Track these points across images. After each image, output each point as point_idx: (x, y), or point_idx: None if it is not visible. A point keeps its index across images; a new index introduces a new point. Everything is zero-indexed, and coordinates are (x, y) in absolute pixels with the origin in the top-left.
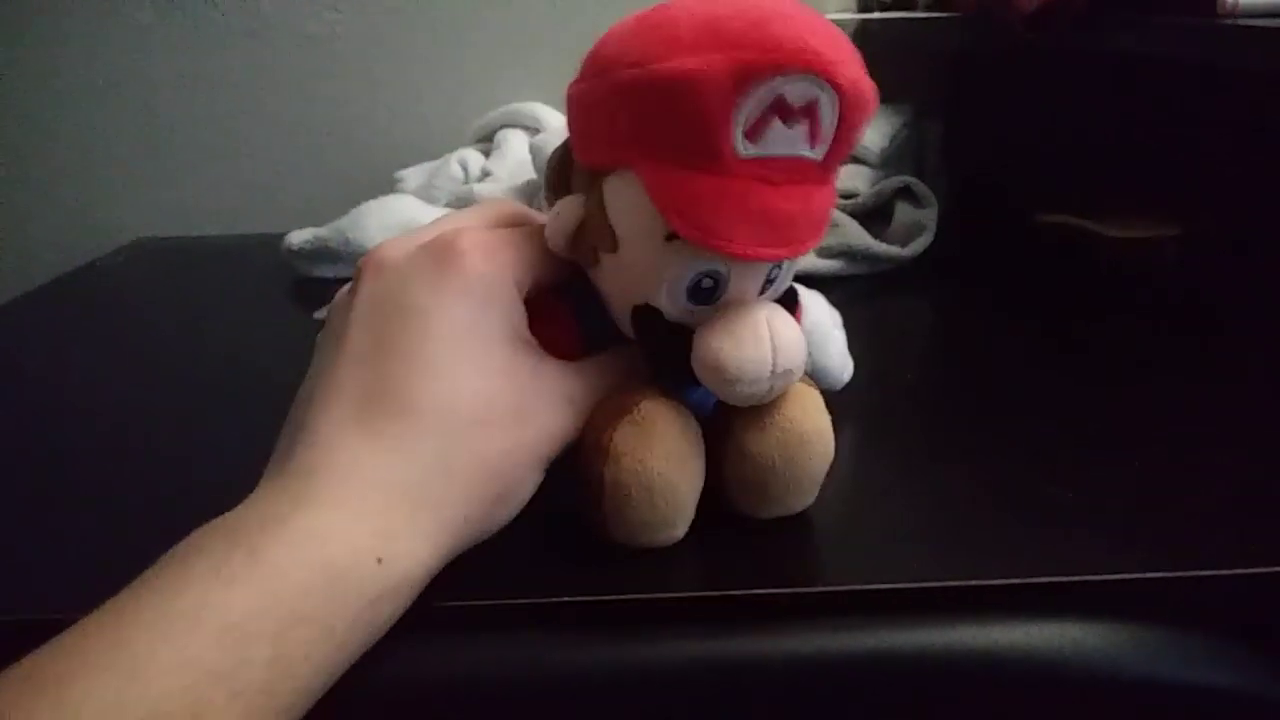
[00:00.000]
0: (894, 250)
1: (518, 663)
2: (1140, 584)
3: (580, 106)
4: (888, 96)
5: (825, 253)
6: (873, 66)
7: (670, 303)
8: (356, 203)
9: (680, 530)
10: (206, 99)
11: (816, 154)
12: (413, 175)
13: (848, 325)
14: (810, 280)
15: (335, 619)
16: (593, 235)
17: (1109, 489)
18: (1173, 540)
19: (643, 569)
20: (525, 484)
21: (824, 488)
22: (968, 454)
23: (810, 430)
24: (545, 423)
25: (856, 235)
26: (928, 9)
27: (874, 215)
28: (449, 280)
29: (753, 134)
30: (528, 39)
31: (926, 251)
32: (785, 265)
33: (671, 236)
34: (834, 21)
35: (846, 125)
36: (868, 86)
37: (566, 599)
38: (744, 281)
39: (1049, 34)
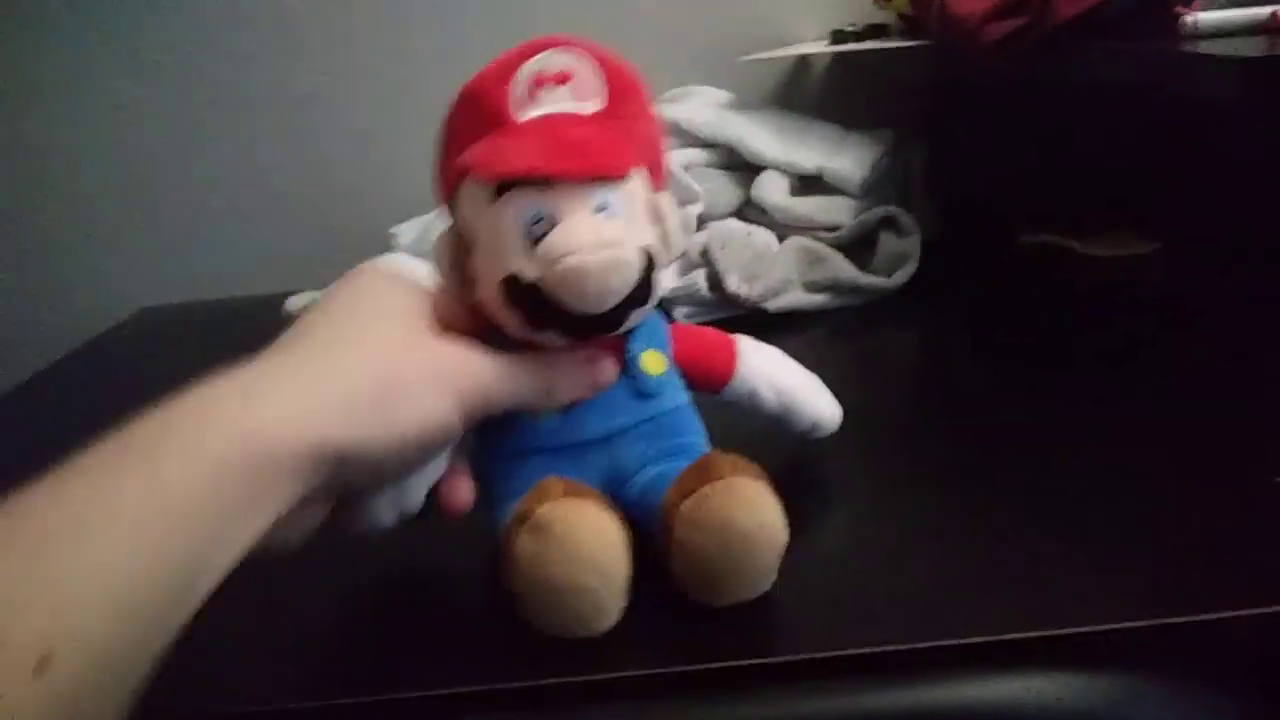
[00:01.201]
0: (880, 281)
1: None
2: (1111, 634)
3: (434, 162)
4: (867, 125)
5: (812, 287)
6: (851, 96)
7: (522, 259)
8: (354, 258)
9: (607, 620)
10: (199, 165)
11: (591, 104)
12: (408, 230)
13: (836, 358)
14: (798, 314)
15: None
16: (461, 249)
17: (1084, 532)
18: (1145, 586)
19: (600, 647)
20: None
21: (798, 537)
22: (947, 496)
23: (752, 527)
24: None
25: (842, 268)
26: (901, 35)
27: (858, 246)
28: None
29: (527, 102)
30: None
31: (913, 279)
32: (614, 196)
33: (493, 196)
34: (808, 55)
35: (614, 75)
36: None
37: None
38: (573, 214)
39: (1014, 60)
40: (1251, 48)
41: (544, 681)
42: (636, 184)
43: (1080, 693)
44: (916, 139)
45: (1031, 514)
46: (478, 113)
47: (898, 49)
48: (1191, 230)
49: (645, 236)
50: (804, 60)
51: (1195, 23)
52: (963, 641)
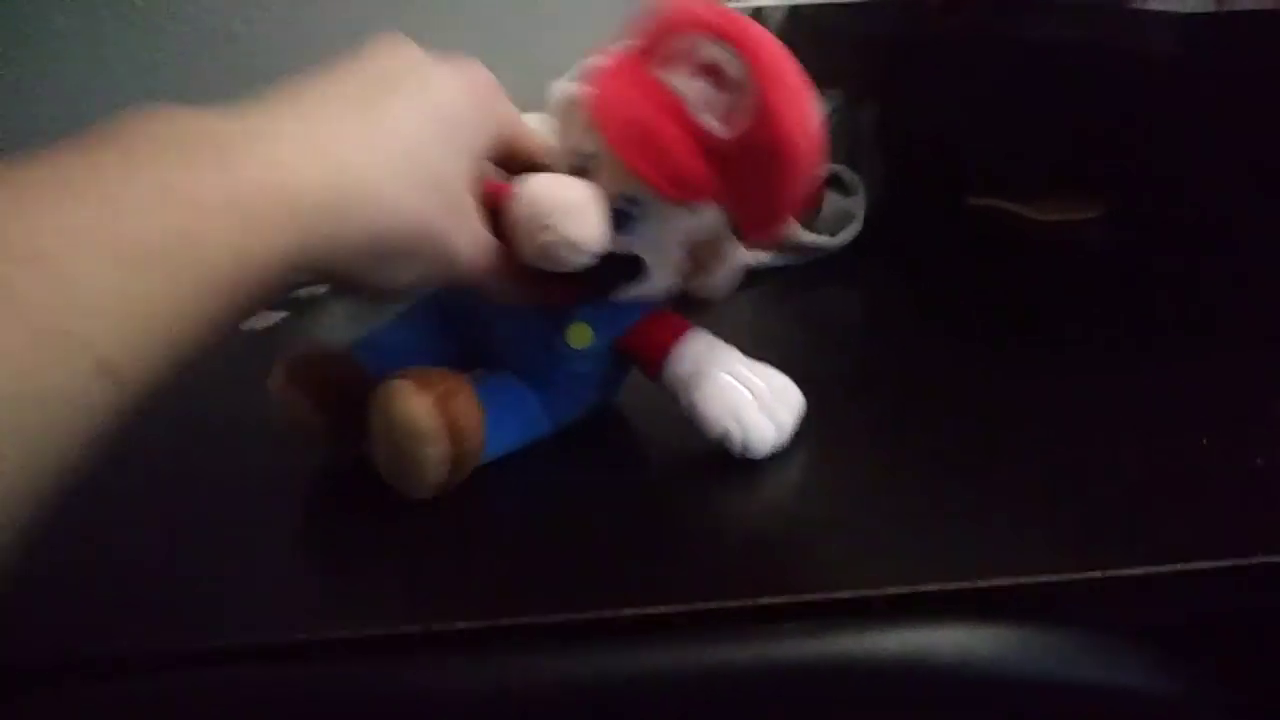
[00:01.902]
0: (824, 239)
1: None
2: (1031, 588)
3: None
4: (818, 83)
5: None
6: (802, 52)
7: None
8: None
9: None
10: None
11: (719, 125)
12: None
13: (779, 316)
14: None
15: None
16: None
17: (1013, 488)
18: (1069, 540)
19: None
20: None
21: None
22: (882, 452)
23: (396, 421)
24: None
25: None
26: None
27: None
28: (456, 73)
29: (673, 61)
30: (473, 39)
31: (858, 239)
32: (640, 210)
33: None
34: (763, 8)
35: (772, 134)
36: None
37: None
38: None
39: (964, 19)
40: (1198, 4)
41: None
42: (692, 218)
43: (996, 645)
44: (868, 98)
45: (959, 470)
46: (648, 31)
47: (852, 4)
48: (1137, 194)
49: (651, 254)
50: (758, 14)
51: None
52: (881, 592)
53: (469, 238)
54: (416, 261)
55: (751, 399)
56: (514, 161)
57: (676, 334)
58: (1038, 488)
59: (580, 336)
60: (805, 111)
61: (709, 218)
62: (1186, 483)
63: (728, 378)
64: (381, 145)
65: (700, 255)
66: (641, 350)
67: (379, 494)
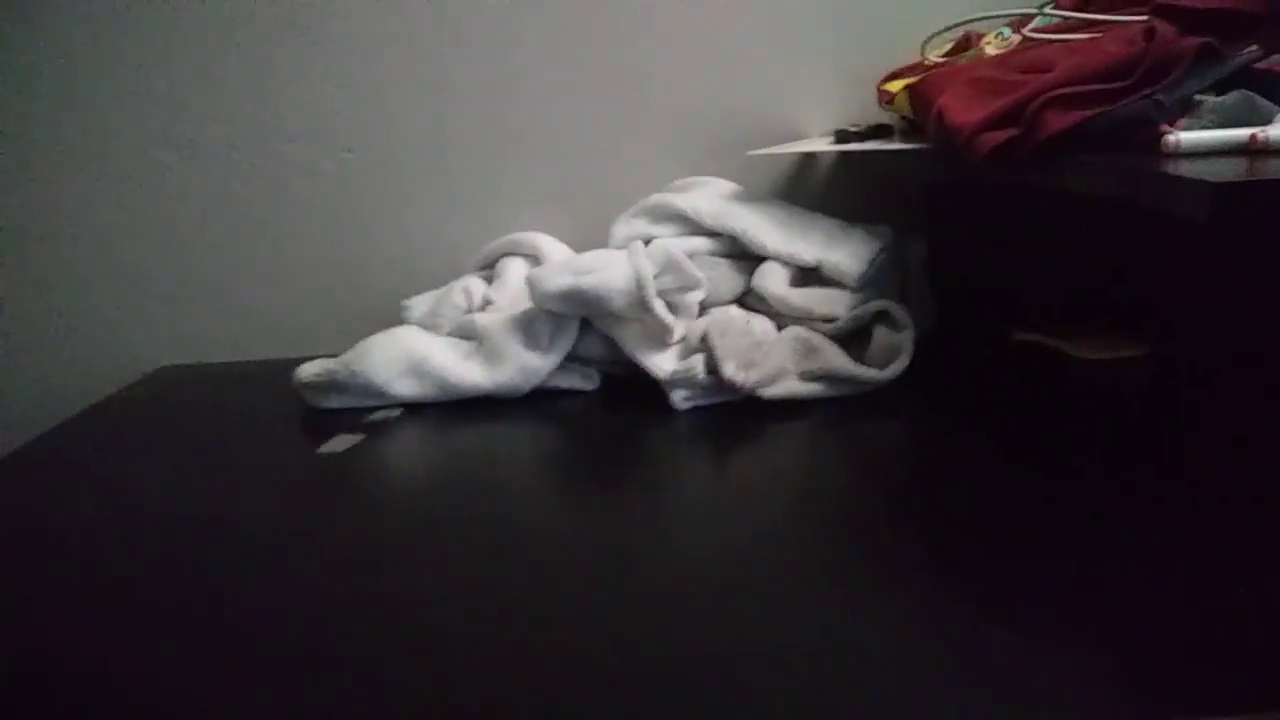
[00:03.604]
0: (873, 373)
1: None
2: None
3: None
4: (867, 220)
5: (807, 376)
6: (853, 191)
7: None
8: (366, 328)
9: None
10: (227, 234)
11: None
12: (419, 303)
13: (827, 447)
14: (793, 402)
15: None
16: None
17: (1051, 633)
18: (1104, 689)
19: None
20: None
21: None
22: (924, 589)
23: None
24: None
25: (836, 359)
26: (903, 136)
27: (853, 338)
28: None
29: None
30: (532, 176)
31: (906, 372)
32: None
33: None
34: (815, 154)
35: None
36: None
37: None
38: None
39: (1006, 169)
40: (1230, 169)
41: None
42: None
43: None
44: (916, 235)
45: (1001, 611)
46: None
47: (899, 150)
48: (1178, 337)
49: None
50: (809, 156)
51: (1178, 142)
52: None
53: None
54: None
55: None
56: None
57: None
58: (1073, 634)
59: None
60: None
61: None
62: (1223, 633)
63: None
64: None
65: None
66: None
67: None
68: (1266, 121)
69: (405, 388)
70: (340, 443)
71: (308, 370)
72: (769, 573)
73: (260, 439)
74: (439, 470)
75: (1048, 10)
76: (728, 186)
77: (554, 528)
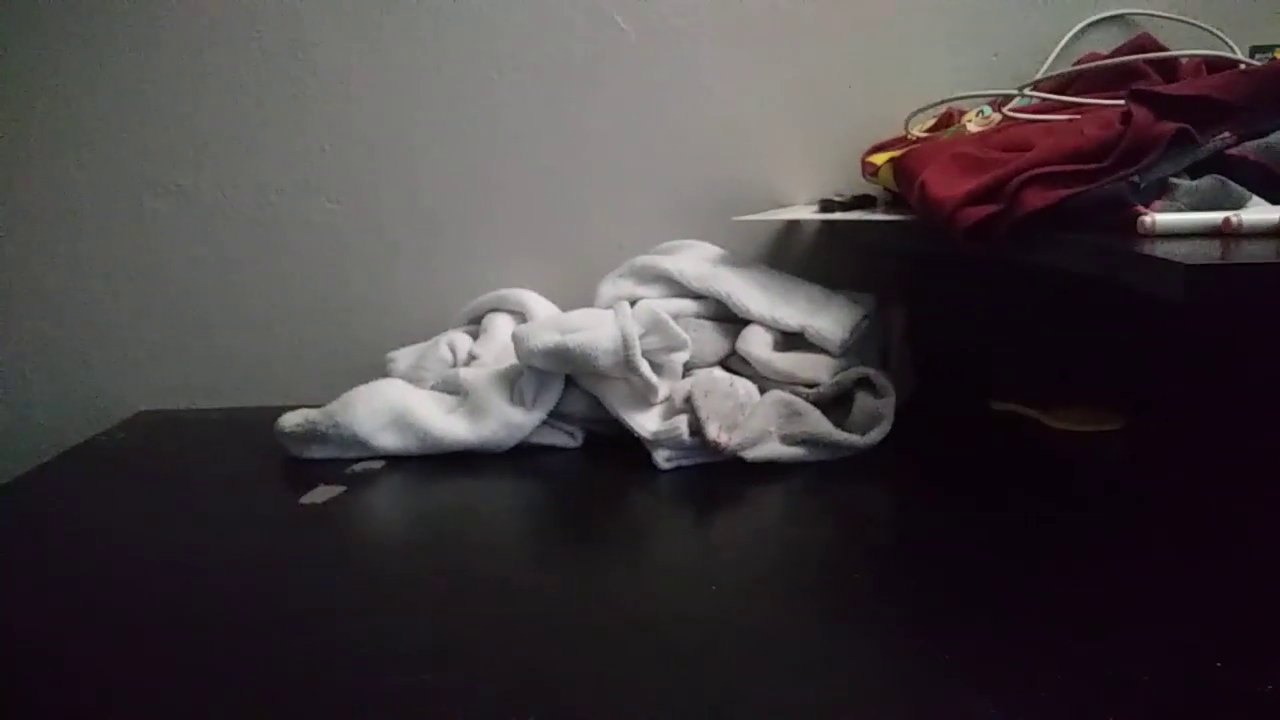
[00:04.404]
0: (854, 438)
1: None
2: None
3: None
4: (850, 287)
5: (789, 439)
6: (836, 259)
7: None
8: (349, 379)
9: None
10: (212, 280)
11: None
12: (403, 356)
13: (808, 510)
14: (775, 465)
15: None
16: None
17: (1029, 700)
18: None
19: None
20: None
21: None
22: (900, 654)
23: None
24: None
25: (819, 424)
26: (886, 207)
27: (835, 403)
28: None
29: None
30: (519, 233)
31: (887, 437)
32: None
33: None
34: (800, 220)
35: None
36: None
37: None
38: None
39: (986, 244)
40: (1204, 251)
41: None
42: None
43: None
44: (897, 303)
45: (976, 677)
46: None
47: (882, 221)
48: (1153, 411)
49: None
50: (794, 223)
51: (1153, 223)
52: None
53: None
54: None
55: None
56: None
57: None
58: (1053, 701)
59: None
60: None
61: None
62: (1199, 707)
63: None
64: None
65: None
66: None
67: None
68: (1239, 205)
69: (388, 440)
70: (321, 493)
71: (290, 420)
72: (750, 632)
73: (241, 487)
74: (420, 524)
75: (1027, 91)
76: (714, 250)
77: (535, 584)
